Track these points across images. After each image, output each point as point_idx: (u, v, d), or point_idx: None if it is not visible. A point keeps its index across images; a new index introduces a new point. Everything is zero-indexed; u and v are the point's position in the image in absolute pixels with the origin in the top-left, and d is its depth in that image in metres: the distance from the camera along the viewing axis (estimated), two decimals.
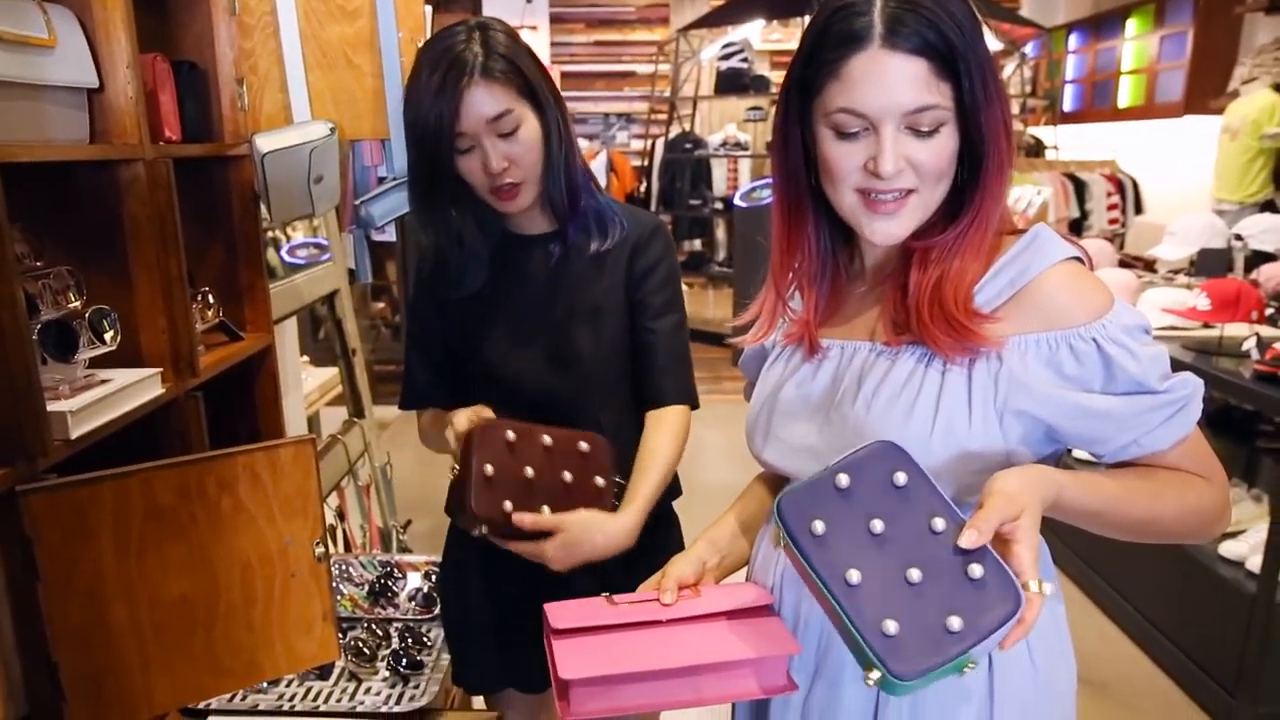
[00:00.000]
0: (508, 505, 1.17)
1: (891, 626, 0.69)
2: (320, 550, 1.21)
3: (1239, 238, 3.67)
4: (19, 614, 1.04)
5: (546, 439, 1.21)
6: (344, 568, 1.81)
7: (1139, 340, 0.85)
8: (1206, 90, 6.07)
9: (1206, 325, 2.83)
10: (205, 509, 1.12)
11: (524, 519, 1.17)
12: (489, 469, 1.15)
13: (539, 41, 8.18)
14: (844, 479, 0.76)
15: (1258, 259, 3.56)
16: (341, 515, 2.28)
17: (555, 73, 8.18)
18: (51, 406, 1.09)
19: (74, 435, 1.11)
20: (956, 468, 0.86)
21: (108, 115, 1.28)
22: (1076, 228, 6.27)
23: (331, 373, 3.22)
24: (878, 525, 0.74)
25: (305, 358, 3.14)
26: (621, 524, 1.22)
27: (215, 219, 1.66)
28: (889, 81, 0.80)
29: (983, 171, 0.87)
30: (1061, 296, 0.85)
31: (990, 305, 0.87)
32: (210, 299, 1.60)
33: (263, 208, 1.66)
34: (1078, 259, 0.88)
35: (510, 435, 1.18)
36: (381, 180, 1.76)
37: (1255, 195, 5.46)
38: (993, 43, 6.45)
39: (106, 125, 1.29)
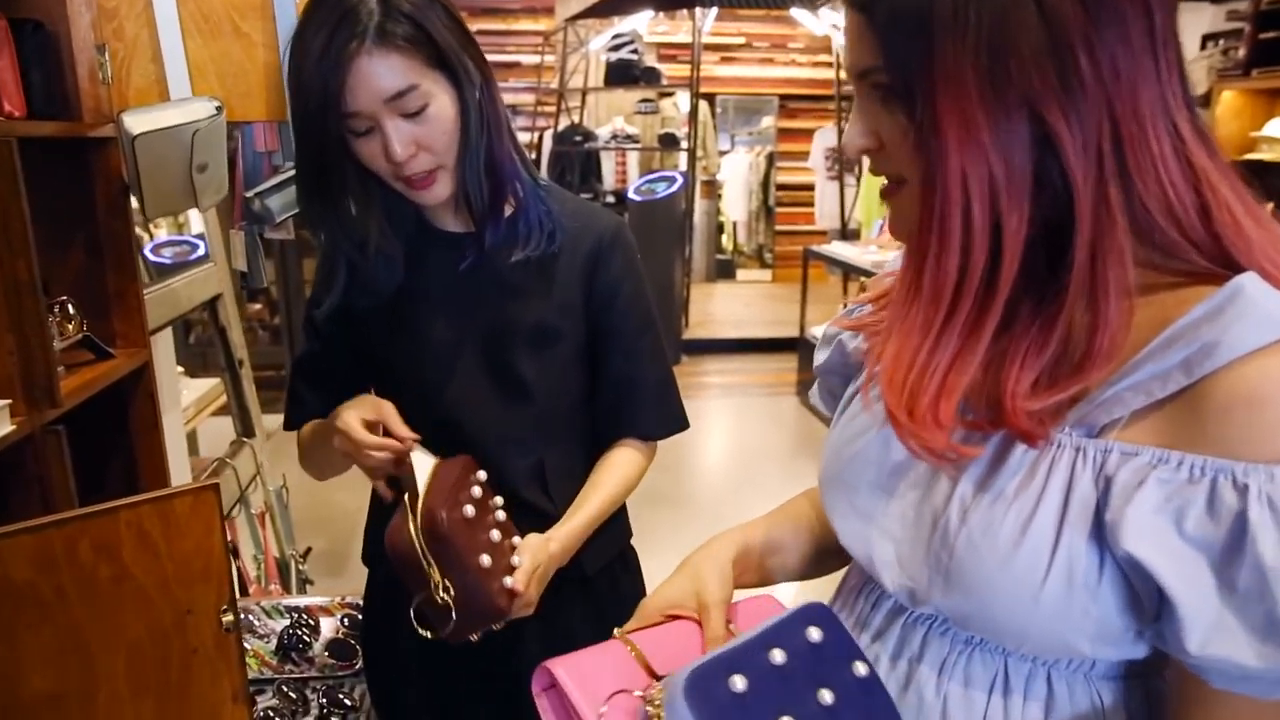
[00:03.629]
0: (508, 581, 0.98)
1: None
2: (229, 619, 0.99)
3: None
4: None
5: (476, 490, 1.03)
6: (245, 618, 1.56)
7: None
8: None
9: None
10: (77, 581, 0.89)
11: (521, 581, 0.99)
12: (485, 560, 0.96)
13: None
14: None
15: None
16: (234, 551, 2.01)
17: None
18: None
19: None
20: (1066, 624, 0.60)
21: None
22: None
23: (210, 384, 2.90)
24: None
25: (180, 368, 2.81)
26: (565, 531, 1.09)
27: (74, 214, 1.39)
28: None
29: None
30: (1244, 408, 0.54)
31: (1147, 396, 0.57)
32: (70, 310, 1.33)
33: (134, 200, 1.40)
34: None
35: (469, 510, 0.98)
36: (277, 169, 1.53)
37: None
38: None
39: None
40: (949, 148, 0.58)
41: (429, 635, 0.96)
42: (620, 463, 1.17)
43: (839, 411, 0.81)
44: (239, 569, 2.05)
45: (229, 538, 2.04)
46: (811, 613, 0.64)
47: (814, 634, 0.63)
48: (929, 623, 0.70)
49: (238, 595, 1.97)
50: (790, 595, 0.78)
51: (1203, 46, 4.68)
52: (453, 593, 0.93)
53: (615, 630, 0.76)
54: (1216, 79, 4.15)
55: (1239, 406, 0.54)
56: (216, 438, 3.00)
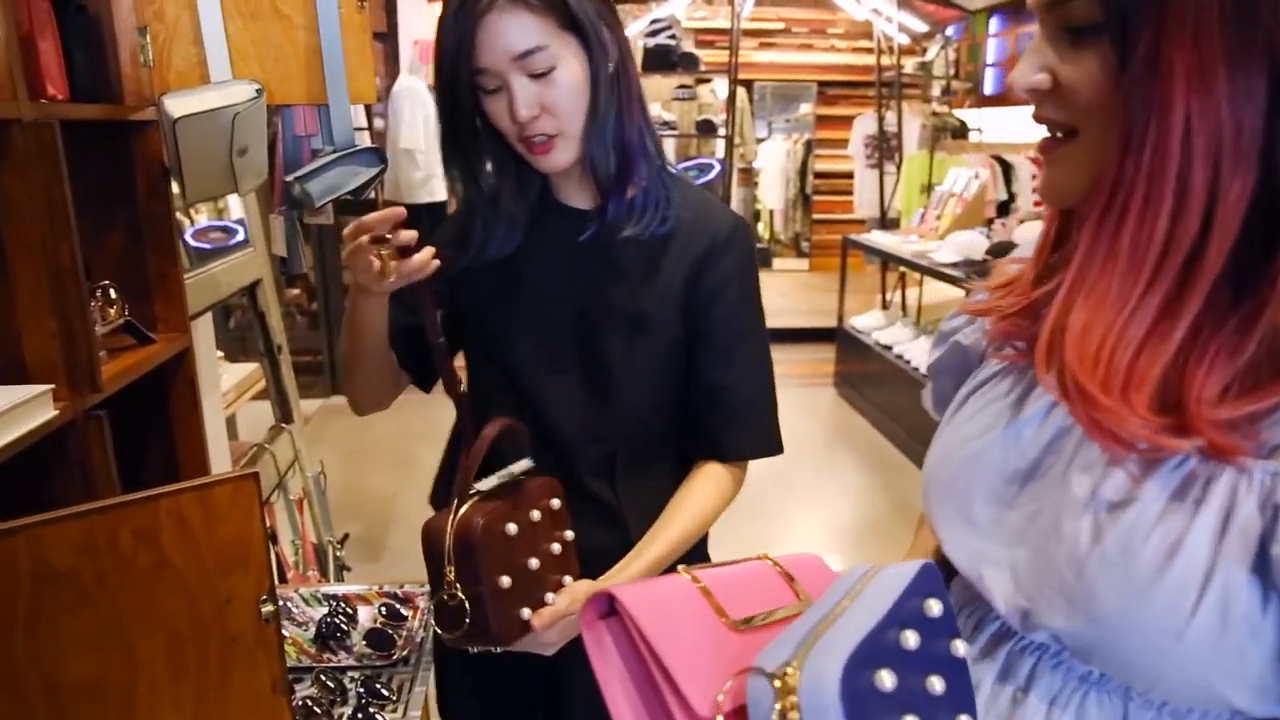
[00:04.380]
0: (525, 613, 0.96)
1: None
2: (269, 609, 0.97)
3: None
4: None
5: (536, 514, 0.99)
6: (284, 604, 1.56)
7: None
8: None
9: None
10: (118, 567, 0.88)
11: (543, 620, 0.96)
12: (505, 581, 0.93)
13: None
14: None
15: None
16: (273, 537, 2.01)
17: None
18: None
19: None
20: (1214, 667, 0.53)
21: None
22: (1004, 209, 6.34)
23: (250, 368, 2.92)
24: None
25: (220, 353, 2.83)
26: (622, 580, 1.03)
27: (115, 198, 1.39)
28: None
29: None
30: None
31: None
32: (112, 294, 1.33)
33: (174, 184, 1.39)
34: None
35: (511, 528, 0.95)
36: (316, 153, 1.51)
37: None
38: (916, 23, 6.43)
39: None
40: (1174, 95, 0.51)
41: (439, 631, 0.95)
42: (698, 496, 1.09)
43: (950, 412, 0.74)
44: (277, 555, 2.06)
45: (268, 524, 2.05)
46: (928, 581, 0.58)
47: (934, 608, 0.56)
48: (1040, 652, 0.62)
49: (276, 583, 1.98)
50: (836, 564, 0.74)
51: None
52: (460, 600, 0.92)
53: (680, 566, 0.69)
54: None
55: None
56: (256, 422, 3.03)
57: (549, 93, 0.98)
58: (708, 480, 1.10)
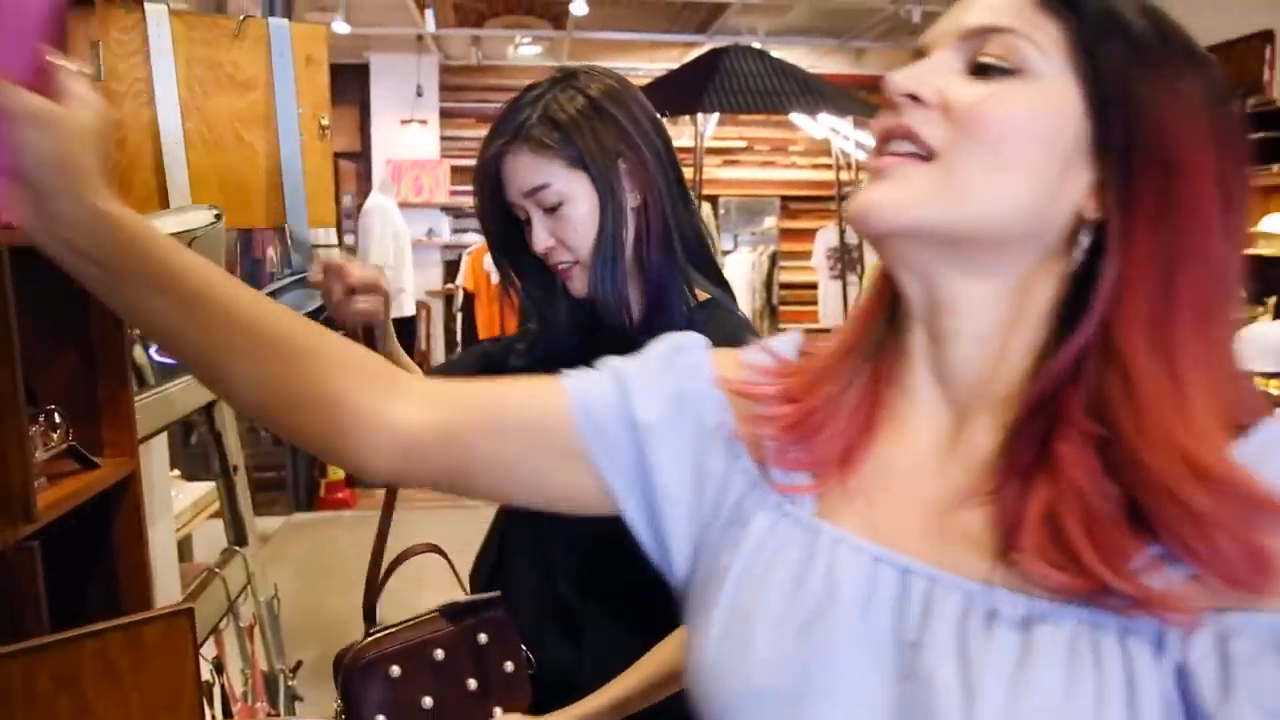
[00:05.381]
0: None
1: None
2: None
3: None
4: None
5: (438, 654, 0.98)
6: None
7: None
8: None
9: None
10: (32, 716, 0.83)
11: None
12: None
13: (429, 136, 8.04)
14: None
15: None
16: (220, 667, 1.92)
17: (445, 166, 7.93)
18: None
19: None
20: None
21: None
22: None
23: (207, 487, 2.85)
24: None
25: (176, 471, 2.76)
26: (576, 715, 0.98)
27: (68, 318, 1.37)
28: None
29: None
30: None
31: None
32: (57, 418, 1.30)
33: None
34: None
35: (395, 671, 0.95)
36: (273, 276, 1.52)
37: None
38: (872, 141, 6.70)
39: None
40: None
41: None
42: (665, 654, 1.02)
43: (729, 590, 0.58)
44: (224, 686, 1.96)
45: (216, 652, 1.96)
46: None
47: None
48: None
49: (220, 716, 1.87)
50: None
51: None
52: None
53: None
54: None
55: None
56: (213, 541, 2.93)
57: (559, 226, 1.04)
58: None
